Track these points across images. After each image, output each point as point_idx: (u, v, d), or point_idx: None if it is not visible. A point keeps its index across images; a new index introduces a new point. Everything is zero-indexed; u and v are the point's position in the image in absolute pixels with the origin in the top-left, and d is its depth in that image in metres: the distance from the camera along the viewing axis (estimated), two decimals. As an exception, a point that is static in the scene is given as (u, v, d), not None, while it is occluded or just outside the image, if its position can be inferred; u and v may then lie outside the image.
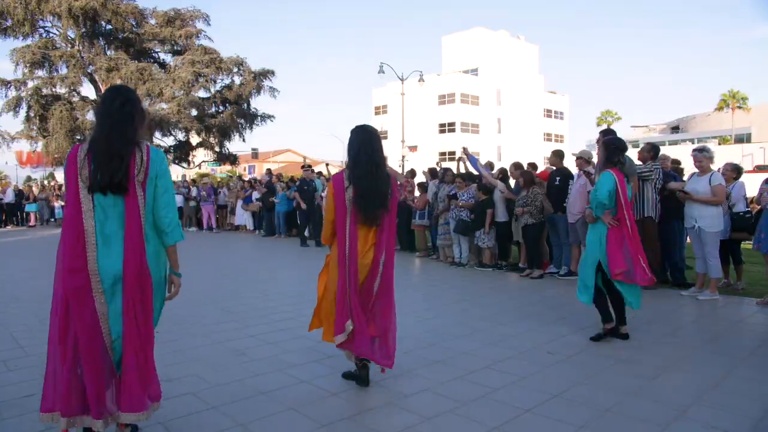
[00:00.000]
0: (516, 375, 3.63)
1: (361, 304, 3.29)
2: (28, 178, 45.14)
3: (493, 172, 9.27)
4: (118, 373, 2.44)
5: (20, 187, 22.91)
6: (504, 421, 2.92)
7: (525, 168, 8.49)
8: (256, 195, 15.60)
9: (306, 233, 12.32)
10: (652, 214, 6.41)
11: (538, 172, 8.49)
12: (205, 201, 17.17)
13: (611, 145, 4.46)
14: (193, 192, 17.50)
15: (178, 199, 17.07)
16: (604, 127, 40.45)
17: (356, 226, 3.25)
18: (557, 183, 7.66)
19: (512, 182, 8.80)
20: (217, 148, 29.22)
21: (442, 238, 9.54)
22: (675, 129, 70.13)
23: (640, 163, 6.67)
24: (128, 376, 2.40)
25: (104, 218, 2.38)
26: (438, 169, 10.56)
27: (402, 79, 33.22)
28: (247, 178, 19.60)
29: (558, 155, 8.09)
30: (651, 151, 6.67)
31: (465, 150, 9.83)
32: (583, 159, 7.37)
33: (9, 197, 18.35)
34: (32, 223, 19.03)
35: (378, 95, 59.51)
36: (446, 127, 55.23)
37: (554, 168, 8.02)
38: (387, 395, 3.31)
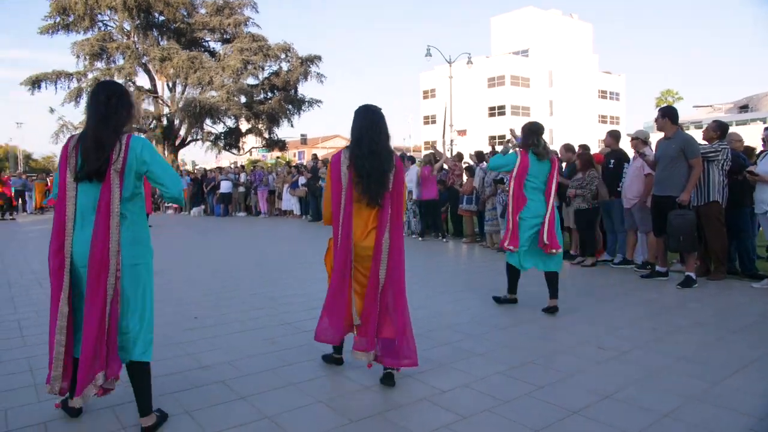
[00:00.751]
0: (562, 372, 3.36)
1: (368, 295, 3.09)
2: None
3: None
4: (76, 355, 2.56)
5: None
6: (548, 423, 2.67)
7: (576, 150, 8.05)
8: (302, 180, 15.64)
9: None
10: (719, 199, 5.88)
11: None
12: (260, 186, 17.39)
13: (525, 128, 4.87)
14: (242, 178, 17.75)
15: (226, 185, 17.38)
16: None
17: (353, 207, 3.09)
18: (611, 166, 7.19)
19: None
20: (266, 135, 29.63)
21: (489, 224, 9.24)
22: (743, 108, 66.01)
23: (705, 143, 6.14)
24: (82, 358, 2.47)
25: (85, 205, 2.52)
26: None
27: (450, 62, 32.57)
28: (294, 164, 19.72)
29: (614, 136, 7.58)
30: (718, 129, 6.11)
31: (512, 132, 9.40)
32: (639, 140, 6.85)
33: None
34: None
35: (426, 79, 58.82)
36: (496, 111, 54.02)
37: (608, 150, 7.54)
38: (422, 390, 3.12)
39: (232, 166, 21.14)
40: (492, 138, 46.75)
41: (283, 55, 27.74)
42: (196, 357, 3.72)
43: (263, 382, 3.25)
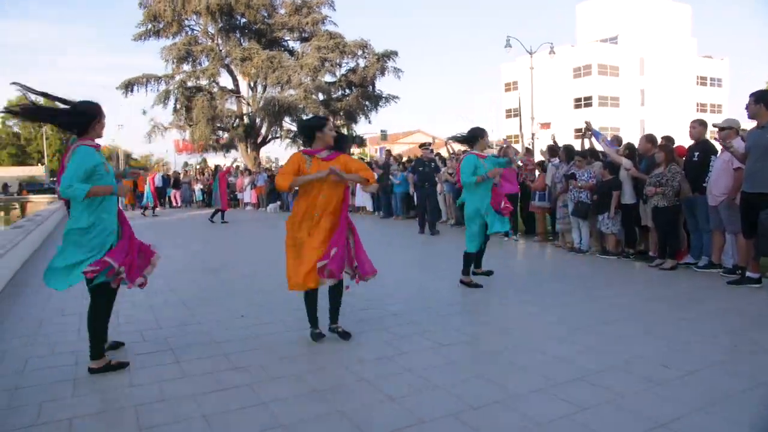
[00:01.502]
0: (613, 392, 2.98)
1: None
2: (185, 164, 50.37)
3: (619, 148, 8.16)
4: None
5: (179, 172, 25.87)
6: (584, 453, 2.35)
7: (659, 142, 7.32)
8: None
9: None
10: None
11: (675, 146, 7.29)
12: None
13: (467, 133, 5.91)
14: (315, 174, 18.05)
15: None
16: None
17: None
18: (695, 159, 6.47)
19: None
20: (344, 131, 30.03)
21: (561, 222, 8.70)
22: None
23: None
24: None
25: None
26: (557, 145, 9.59)
27: (531, 53, 31.38)
28: (366, 160, 19.77)
29: (702, 124, 6.78)
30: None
31: (588, 124, 8.84)
32: (733, 129, 6.07)
33: (158, 182, 20.43)
34: (176, 204, 21.06)
35: (507, 71, 57.14)
36: (582, 102, 51.50)
37: (694, 141, 6.78)
38: (495, 393, 2.86)
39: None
40: (578, 131, 44.62)
41: (359, 52, 27.91)
42: (230, 358, 3.69)
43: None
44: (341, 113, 28.65)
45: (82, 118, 3.38)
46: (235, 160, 25.33)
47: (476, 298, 5.32)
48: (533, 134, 34.23)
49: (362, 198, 16.61)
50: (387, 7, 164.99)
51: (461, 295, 5.45)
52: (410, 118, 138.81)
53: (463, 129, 5.96)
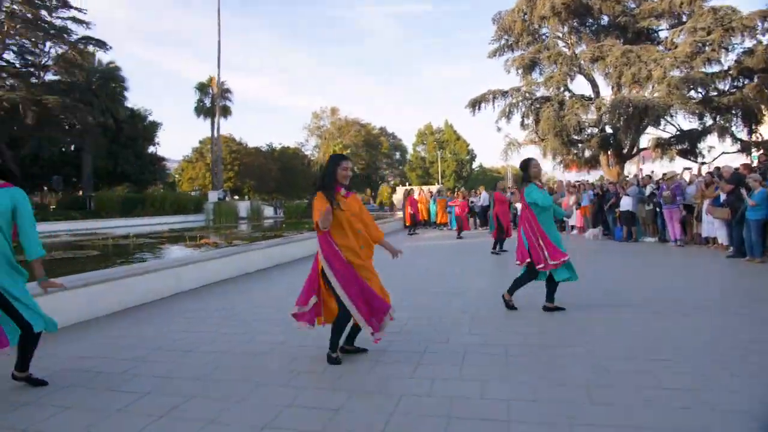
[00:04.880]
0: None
1: None
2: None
3: None
4: None
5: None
6: None
7: None
8: (722, 196, 10.56)
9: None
10: None
11: None
12: (669, 204, 13.01)
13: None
14: (647, 191, 13.60)
15: (627, 202, 13.70)
16: None
17: None
18: None
19: None
20: (743, 135, 22.87)
21: None
22: None
23: None
24: None
25: None
26: None
27: None
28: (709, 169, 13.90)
29: None
30: None
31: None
32: None
33: (484, 201, 19.25)
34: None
35: None
36: None
37: None
38: None
39: (637, 177, 16.70)
40: None
41: (760, 24, 20.59)
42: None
43: None
44: (733, 111, 21.84)
45: None
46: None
47: None
48: None
49: (712, 226, 11.51)
50: None
51: None
52: None
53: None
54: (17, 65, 31.27)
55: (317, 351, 3.99)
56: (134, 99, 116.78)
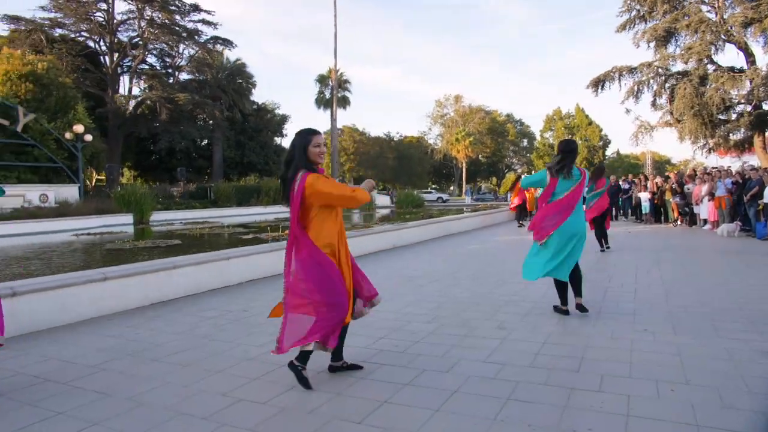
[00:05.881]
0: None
1: None
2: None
3: None
4: None
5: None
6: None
7: None
8: None
9: None
10: None
11: None
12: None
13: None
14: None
15: (774, 193, 11.16)
16: None
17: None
18: None
19: None
20: None
21: None
22: None
23: None
24: None
25: None
26: None
27: None
28: None
29: None
30: None
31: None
32: None
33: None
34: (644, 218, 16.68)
35: None
36: None
37: None
38: None
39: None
40: None
41: None
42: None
43: None
44: None
45: None
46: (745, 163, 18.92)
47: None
48: None
49: None
50: None
51: None
52: None
53: None
54: (158, 67, 34.38)
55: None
56: (262, 94, 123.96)
